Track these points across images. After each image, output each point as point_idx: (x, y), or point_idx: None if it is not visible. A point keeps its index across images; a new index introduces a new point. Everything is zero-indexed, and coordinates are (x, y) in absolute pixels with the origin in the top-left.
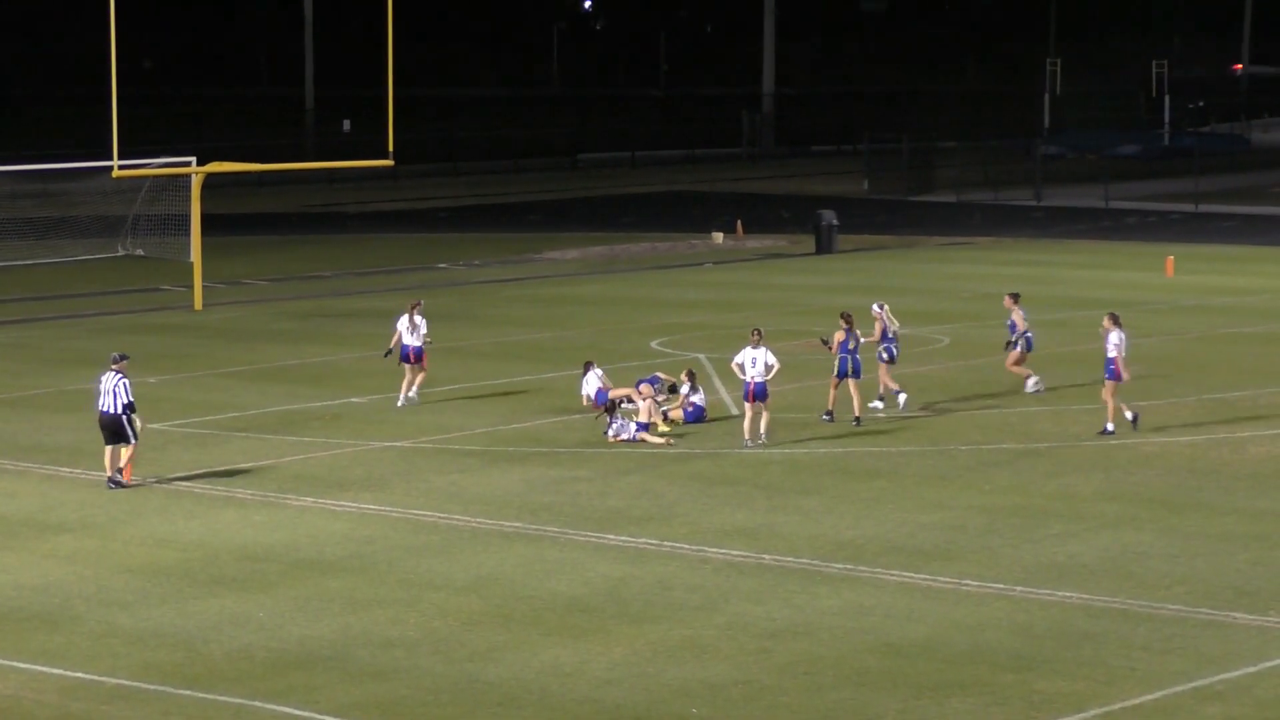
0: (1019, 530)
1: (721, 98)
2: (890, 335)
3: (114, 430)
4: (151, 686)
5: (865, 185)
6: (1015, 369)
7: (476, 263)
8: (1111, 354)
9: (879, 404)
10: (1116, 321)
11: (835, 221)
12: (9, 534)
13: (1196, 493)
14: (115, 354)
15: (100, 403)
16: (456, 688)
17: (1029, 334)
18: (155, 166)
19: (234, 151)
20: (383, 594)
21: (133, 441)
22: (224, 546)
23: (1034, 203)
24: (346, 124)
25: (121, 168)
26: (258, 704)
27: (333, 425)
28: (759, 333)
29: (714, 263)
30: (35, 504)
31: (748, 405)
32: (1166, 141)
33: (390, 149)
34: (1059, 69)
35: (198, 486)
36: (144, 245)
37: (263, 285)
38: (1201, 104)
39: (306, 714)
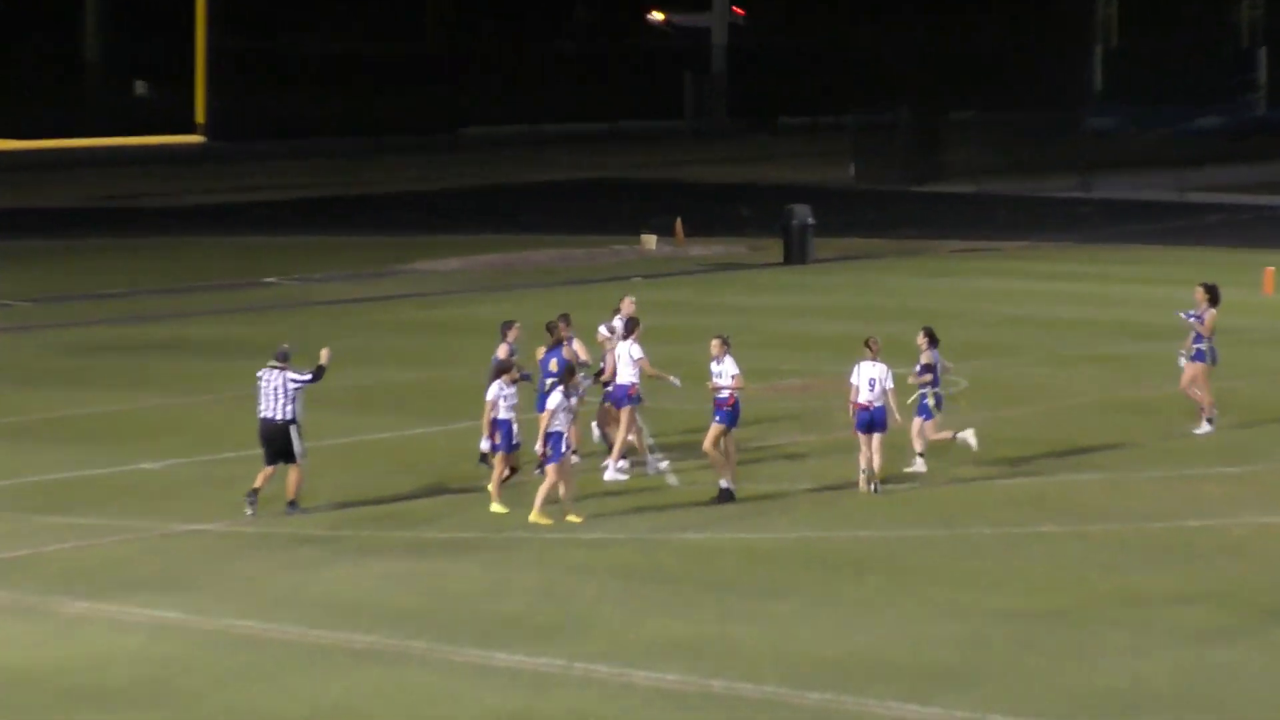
0: (1064, 645)
1: (657, 54)
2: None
3: (276, 442)
4: None
5: (851, 171)
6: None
7: (320, 277)
8: (718, 384)
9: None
10: (727, 346)
11: (811, 220)
12: None
13: None
14: (282, 347)
15: (261, 407)
16: None
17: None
18: None
19: None
20: None
21: (300, 461)
22: None
23: (1080, 194)
24: (141, 86)
25: None
26: None
27: (124, 499)
28: (876, 344)
29: (644, 276)
30: None
31: (860, 437)
32: (1261, 111)
33: (200, 120)
34: (1115, 15)
35: None
36: None
37: (26, 308)
38: None
39: None
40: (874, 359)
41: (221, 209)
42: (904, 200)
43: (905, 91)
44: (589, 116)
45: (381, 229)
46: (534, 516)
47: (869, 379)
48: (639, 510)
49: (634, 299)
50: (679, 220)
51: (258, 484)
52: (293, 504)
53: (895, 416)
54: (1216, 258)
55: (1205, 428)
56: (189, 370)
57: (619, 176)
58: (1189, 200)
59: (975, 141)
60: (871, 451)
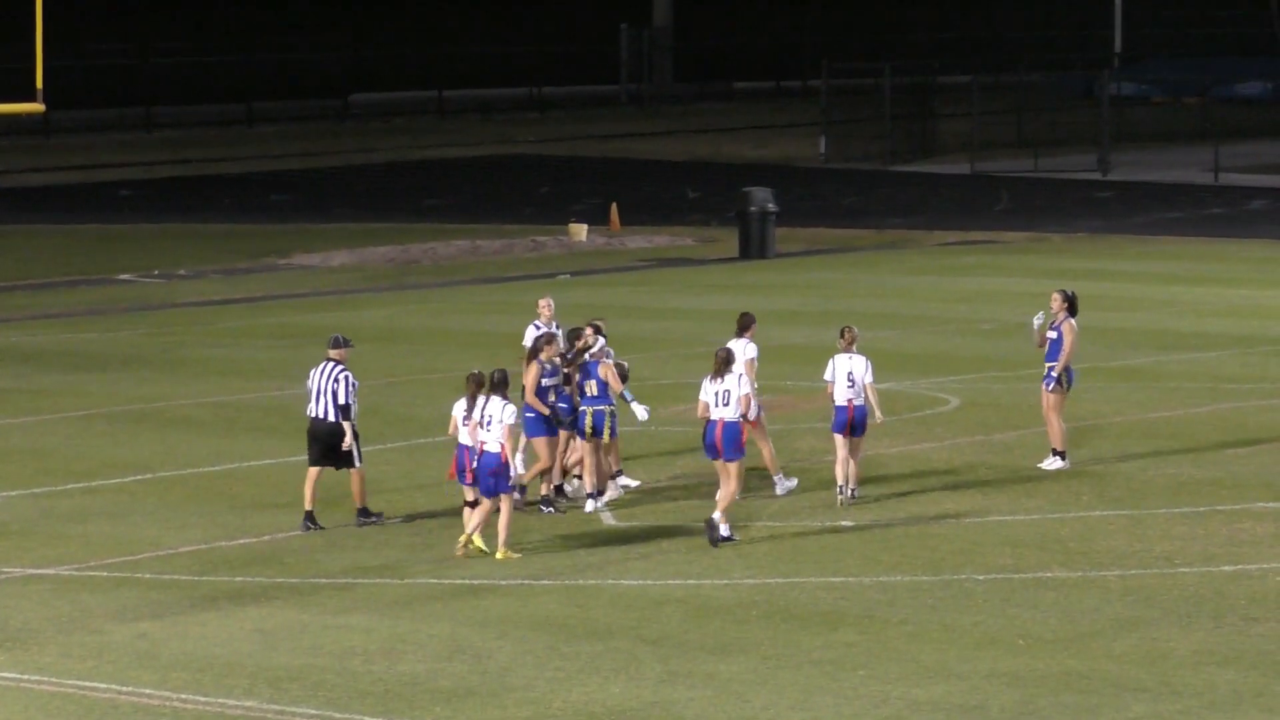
0: (1074, 712)
1: (586, 2)
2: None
3: (322, 442)
4: None
5: (822, 147)
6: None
7: (182, 273)
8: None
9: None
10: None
11: (773, 206)
12: None
13: None
14: (336, 335)
15: (310, 405)
16: None
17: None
18: None
19: None
20: None
21: (357, 464)
22: None
23: (1098, 175)
24: None
25: None
26: None
27: None
28: (851, 334)
29: (572, 273)
30: None
31: (838, 439)
32: None
33: (39, 85)
34: None
35: None
36: None
37: None
38: None
39: None
40: (850, 351)
41: (61, 190)
42: (885, 182)
43: (888, 49)
44: (505, 80)
45: (255, 215)
46: (500, 554)
47: (846, 373)
48: (567, 550)
49: (551, 300)
50: (614, 206)
51: (308, 501)
52: (363, 511)
53: (877, 415)
54: (1262, 252)
55: (1055, 462)
56: (26, 385)
57: (540, 153)
58: (1227, 183)
59: (972, 111)
60: (848, 455)
